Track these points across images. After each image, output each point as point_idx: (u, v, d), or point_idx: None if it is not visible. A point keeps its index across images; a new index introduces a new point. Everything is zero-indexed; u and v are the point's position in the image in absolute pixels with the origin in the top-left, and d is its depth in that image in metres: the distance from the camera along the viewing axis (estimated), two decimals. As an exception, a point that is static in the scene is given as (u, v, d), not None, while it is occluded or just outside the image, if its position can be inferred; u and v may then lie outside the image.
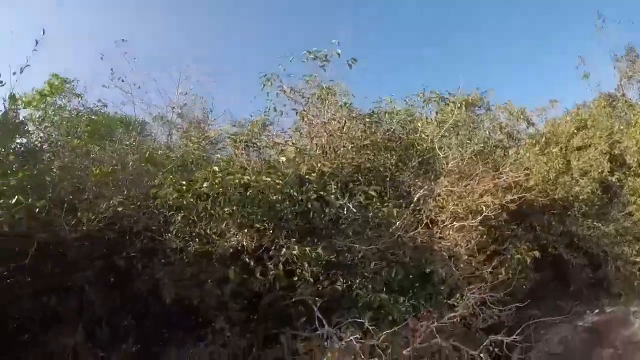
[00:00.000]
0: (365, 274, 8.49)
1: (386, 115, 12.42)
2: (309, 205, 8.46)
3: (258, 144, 11.55)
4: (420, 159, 11.53)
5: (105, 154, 10.07)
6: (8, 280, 8.65)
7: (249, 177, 8.68)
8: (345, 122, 10.78)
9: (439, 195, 10.40)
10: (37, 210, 7.92)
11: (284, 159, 9.58)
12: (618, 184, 15.83)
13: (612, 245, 14.64)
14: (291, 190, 8.63)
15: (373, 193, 9.11)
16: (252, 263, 8.71)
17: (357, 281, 8.41)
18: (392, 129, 12.19)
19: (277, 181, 8.56)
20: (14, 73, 8.89)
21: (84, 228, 8.37)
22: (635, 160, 15.69)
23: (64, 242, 8.62)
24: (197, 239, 8.92)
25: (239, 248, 8.77)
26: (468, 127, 14.23)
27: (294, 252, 8.12)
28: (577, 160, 15.15)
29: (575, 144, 16.01)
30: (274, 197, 8.51)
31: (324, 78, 11.10)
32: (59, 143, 10.54)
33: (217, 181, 8.68)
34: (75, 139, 11.03)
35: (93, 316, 9.09)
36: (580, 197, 14.62)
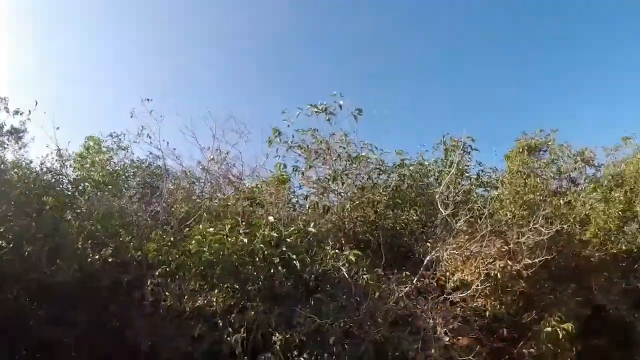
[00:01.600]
0: (328, 350, 7.80)
1: (396, 167, 11.45)
2: (272, 270, 8.00)
3: (264, 201, 11.11)
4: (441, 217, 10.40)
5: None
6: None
7: (225, 237, 8.44)
8: (340, 176, 10.11)
9: (446, 259, 9.35)
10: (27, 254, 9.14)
11: (271, 218, 9.13)
12: None
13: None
14: (260, 253, 8.23)
15: (352, 258, 8.37)
16: (220, 324, 8.46)
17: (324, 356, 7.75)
18: (403, 183, 11.28)
19: (243, 242, 8.19)
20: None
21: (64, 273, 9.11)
22: None
23: (53, 284, 9.25)
24: (172, 295, 8.90)
25: (210, 308, 8.57)
26: (522, 174, 12.87)
27: (247, 317, 7.75)
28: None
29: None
30: (242, 259, 8.20)
31: (329, 131, 10.64)
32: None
33: (202, 240, 8.52)
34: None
35: (88, 351, 9.50)
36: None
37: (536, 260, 9.48)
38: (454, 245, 9.26)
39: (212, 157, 12.82)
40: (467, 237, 9.39)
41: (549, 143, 14.64)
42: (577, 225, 12.65)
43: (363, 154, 10.78)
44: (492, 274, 9.06)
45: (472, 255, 9.06)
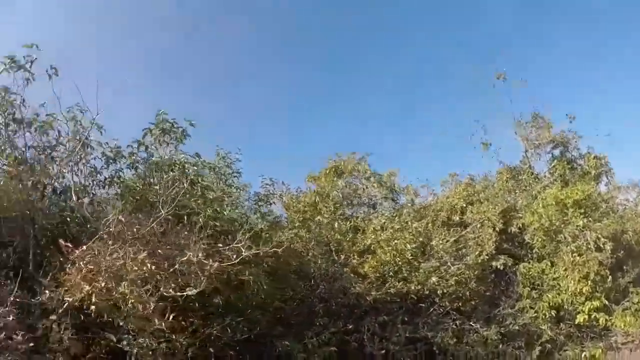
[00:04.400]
0: None
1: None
2: None
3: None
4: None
5: None
6: None
7: None
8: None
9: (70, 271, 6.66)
10: None
11: None
12: (512, 270, 11.73)
13: (492, 356, 10.56)
14: None
15: None
16: None
17: None
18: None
19: None
20: None
21: None
22: (539, 239, 11.55)
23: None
24: None
25: None
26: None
27: None
28: (442, 240, 11.27)
29: (457, 219, 12.30)
30: None
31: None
32: None
33: None
34: None
35: None
36: (440, 292, 10.68)
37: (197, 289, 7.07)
38: (86, 255, 6.88)
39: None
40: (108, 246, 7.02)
41: (359, 168, 13.48)
42: (355, 256, 11.06)
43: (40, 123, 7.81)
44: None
45: (98, 271, 6.79)
